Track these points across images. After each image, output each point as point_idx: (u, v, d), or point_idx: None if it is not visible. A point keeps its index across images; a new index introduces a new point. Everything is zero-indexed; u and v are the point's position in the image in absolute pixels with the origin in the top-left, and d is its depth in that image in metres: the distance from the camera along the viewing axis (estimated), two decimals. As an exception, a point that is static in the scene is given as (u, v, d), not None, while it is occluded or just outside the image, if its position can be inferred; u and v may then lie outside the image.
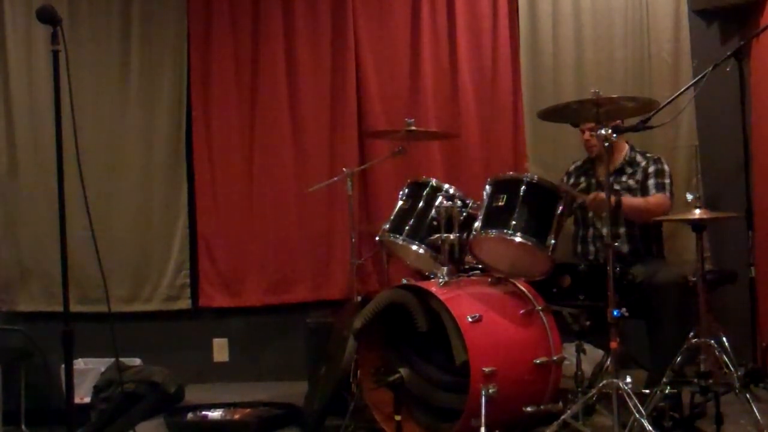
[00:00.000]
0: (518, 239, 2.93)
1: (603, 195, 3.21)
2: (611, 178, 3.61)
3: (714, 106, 4.14)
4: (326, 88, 4.54)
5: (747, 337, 3.80)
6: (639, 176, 3.60)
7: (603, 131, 2.86)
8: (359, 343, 3.18)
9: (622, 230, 3.59)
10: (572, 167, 3.84)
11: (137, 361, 4.21)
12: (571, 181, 3.77)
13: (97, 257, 2.76)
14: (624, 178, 3.62)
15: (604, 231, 3.52)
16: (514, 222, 2.95)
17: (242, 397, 3.97)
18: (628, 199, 3.46)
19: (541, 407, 2.93)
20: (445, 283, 3.02)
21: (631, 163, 3.66)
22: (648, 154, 3.69)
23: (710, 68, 3.34)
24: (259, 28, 4.56)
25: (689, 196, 3.58)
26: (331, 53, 4.53)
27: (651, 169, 3.60)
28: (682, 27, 4.27)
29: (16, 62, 4.53)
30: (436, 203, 3.23)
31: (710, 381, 2.89)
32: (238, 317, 4.62)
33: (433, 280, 3.14)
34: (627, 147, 3.69)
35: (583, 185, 3.70)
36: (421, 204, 3.31)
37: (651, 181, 3.56)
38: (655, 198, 3.48)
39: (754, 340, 3.79)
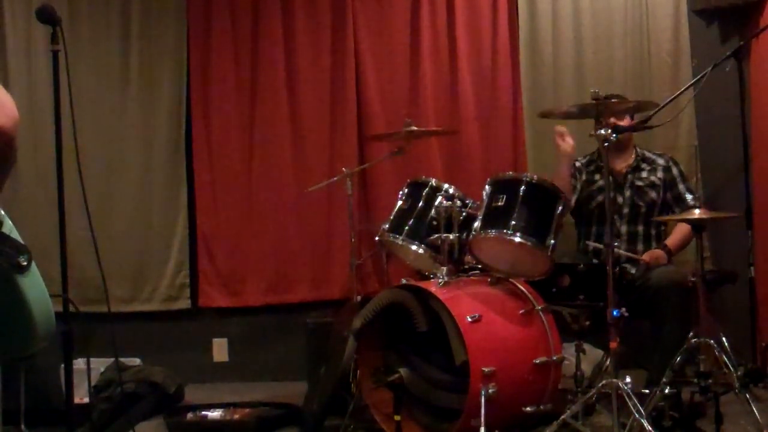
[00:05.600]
0: (518, 239, 2.93)
1: (658, 253, 3.46)
2: (629, 175, 3.64)
3: (714, 106, 4.14)
4: (326, 88, 4.54)
5: (747, 337, 3.80)
6: (660, 174, 3.65)
7: (603, 131, 2.86)
8: (359, 343, 3.18)
9: (640, 228, 3.60)
10: (578, 163, 3.83)
11: (137, 361, 4.21)
12: (583, 177, 3.76)
13: (96, 257, 2.76)
14: (644, 174, 3.65)
15: (623, 229, 3.58)
16: (513, 222, 2.95)
17: (242, 397, 3.97)
18: (673, 242, 3.56)
19: (541, 407, 2.93)
20: (445, 283, 3.02)
21: (645, 159, 3.68)
22: (657, 152, 3.73)
23: (710, 68, 3.34)
24: (258, 28, 4.57)
25: (688, 196, 3.61)
26: (331, 53, 4.53)
27: (675, 171, 3.68)
28: (681, 27, 4.27)
29: (16, 62, 4.53)
30: (436, 203, 3.22)
31: (710, 381, 2.90)
32: (238, 317, 4.62)
33: (432, 280, 3.14)
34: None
35: (600, 183, 3.68)
36: (420, 204, 3.30)
37: (682, 186, 3.65)
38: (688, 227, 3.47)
39: (753, 340, 3.79)
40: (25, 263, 1.20)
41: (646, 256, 3.46)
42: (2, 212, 1.23)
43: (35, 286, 1.23)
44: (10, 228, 1.21)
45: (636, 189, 3.63)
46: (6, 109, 1.13)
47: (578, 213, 3.78)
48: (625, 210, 3.63)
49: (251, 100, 4.57)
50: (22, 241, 1.22)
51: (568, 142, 3.64)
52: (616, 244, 3.32)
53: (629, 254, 3.50)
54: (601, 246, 3.52)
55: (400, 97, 4.50)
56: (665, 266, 3.42)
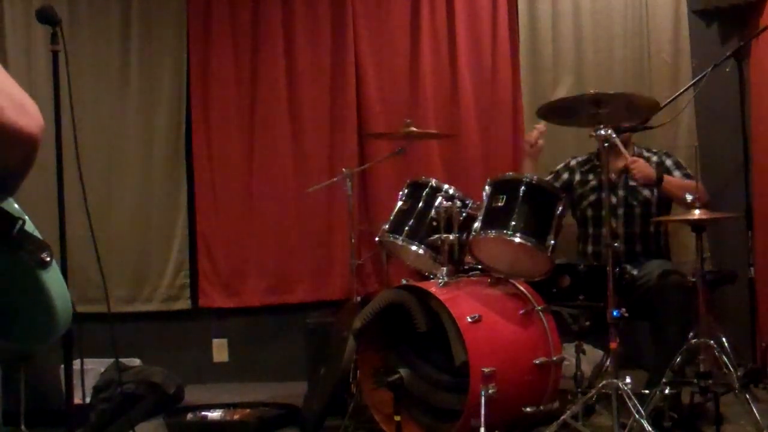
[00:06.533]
0: (518, 240, 2.93)
1: (642, 161, 3.33)
2: (623, 175, 3.62)
3: (714, 106, 4.14)
4: (326, 88, 4.54)
5: (747, 337, 3.80)
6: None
7: (603, 131, 2.86)
8: (359, 343, 3.18)
9: (638, 228, 3.59)
10: (573, 162, 3.81)
11: (137, 362, 4.20)
12: (577, 177, 3.75)
13: (96, 257, 2.76)
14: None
15: (620, 230, 3.56)
16: (513, 222, 2.95)
17: (242, 397, 3.97)
18: (669, 177, 3.41)
19: (541, 407, 2.93)
20: (445, 284, 3.02)
21: (640, 157, 3.66)
22: (653, 149, 3.70)
23: (710, 68, 3.34)
24: (258, 29, 4.57)
25: (689, 197, 3.60)
26: (331, 53, 4.54)
27: (668, 162, 3.59)
28: (681, 27, 4.26)
29: (16, 62, 4.53)
30: (436, 203, 3.22)
31: (710, 381, 2.89)
32: (237, 317, 4.62)
33: (432, 280, 3.14)
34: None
35: (593, 183, 3.68)
36: (420, 204, 3.30)
37: (677, 173, 3.53)
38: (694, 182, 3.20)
39: (753, 340, 3.79)
40: (48, 258, 1.25)
41: (630, 160, 3.34)
42: (23, 212, 1.27)
43: (56, 280, 1.29)
44: (32, 228, 1.26)
45: (630, 189, 3.62)
46: (34, 115, 1.16)
47: (573, 214, 3.77)
48: (620, 210, 3.61)
49: (251, 100, 4.57)
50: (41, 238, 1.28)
51: (538, 144, 3.67)
52: (616, 245, 3.31)
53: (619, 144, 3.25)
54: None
55: (400, 97, 4.50)
56: (666, 267, 3.41)
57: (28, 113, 1.14)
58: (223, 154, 4.57)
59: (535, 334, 3.03)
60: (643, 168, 3.36)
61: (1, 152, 1.12)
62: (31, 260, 1.23)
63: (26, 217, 1.25)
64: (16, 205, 1.26)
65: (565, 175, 3.78)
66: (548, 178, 3.82)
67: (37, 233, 1.27)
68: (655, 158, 3.66)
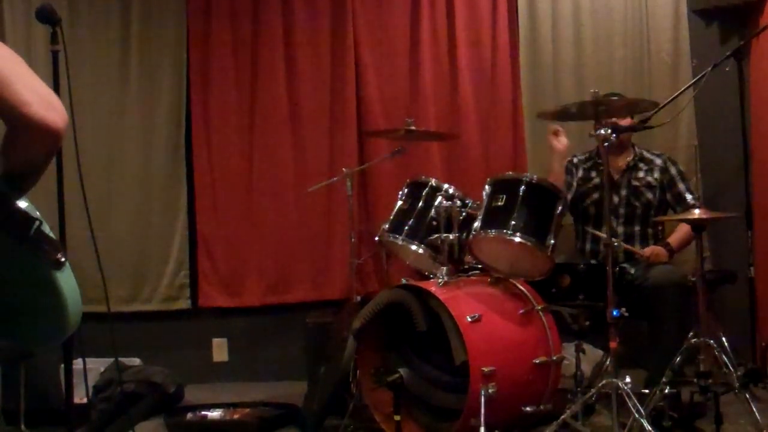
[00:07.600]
0: (518, 239, 2.93)
1: (658, 249, 3.43)
2: (626, 175, 3.64)
3: (714, 106, 4.14)
4: (326, 88, 4.54)
5: (746, 337, 3.81)
6: (657, 174, 3.64)
7: (603, 131, 2.86)
8: (359, 343, 3.18)
9: (637, 228, 3.59)
10: (575, 159, 3.82)
11: (137, 361, 4.21)
12: (580, 174, 3.76)
13: (96, 257, 2.76)
14: (641, 174, 3.64)
15: (620, 230, 3.57)
16: (513, 222, 2.95)
17: (242, 397, 3.96)
18: (675, 240, 3.52)
19: (541, 407, 2.93)
20: (445, 283, 3.02)
21: (643, 159, 3.68)
22: (656, 152, 3.73)
23: (710, 68, 3.34)
24: (258, 29, 4.56)
25: (689, 196, 3.61)
26: (331, 53, 4.53)
27: (673, 170, 3.65)
28: (681, 27, 4.27)
29: (16, 62, 4.52)
30: (436, 203, 3.23)
31: (710, 381, 2.89)
32: (237, 317, 4.61)
33: (432, 280, 3.14)
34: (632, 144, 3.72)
35: (596, 180, 3.69)
36: (420, 204, 3.30)
37: (681, 186, 3.62)
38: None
39: (753, 340, 3.79)
40: (63, 259, 1.27)
41: (647, 251, 3.45)
42: (37, 213, 1.28)
43: (69, 280, 1.30)
44: (47, 229, 1.28)
45: (632, 189, 3.63)
46: (59, 110, 1.19)
47: (574, 211, 3.78)
48: (621, 210, 3.63)
49: (251, 100, 4.57)
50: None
51: (561, 141, 3.63)
52: (615, 243, 3.31)
53: (629, 247, 3.48)
54: (602, 234, 3.52)
55: (400, 97, 4.50)
56: (664, 265, 3.42)
57: (54, 108, 1.16)
58: (223, 154, 4.57)
59: (535, 333, 3.03)
60: (659, 255, 3.44)
61: (28, 146, 1.14)
62: (47, 260, 1.24)
63: (42, 219, 1.26)
64: (32, 207, 1.27)
65: (567, 175, 3.79)
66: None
67: (51, 234, 1.28)
68: (659, 161, 3.67)
